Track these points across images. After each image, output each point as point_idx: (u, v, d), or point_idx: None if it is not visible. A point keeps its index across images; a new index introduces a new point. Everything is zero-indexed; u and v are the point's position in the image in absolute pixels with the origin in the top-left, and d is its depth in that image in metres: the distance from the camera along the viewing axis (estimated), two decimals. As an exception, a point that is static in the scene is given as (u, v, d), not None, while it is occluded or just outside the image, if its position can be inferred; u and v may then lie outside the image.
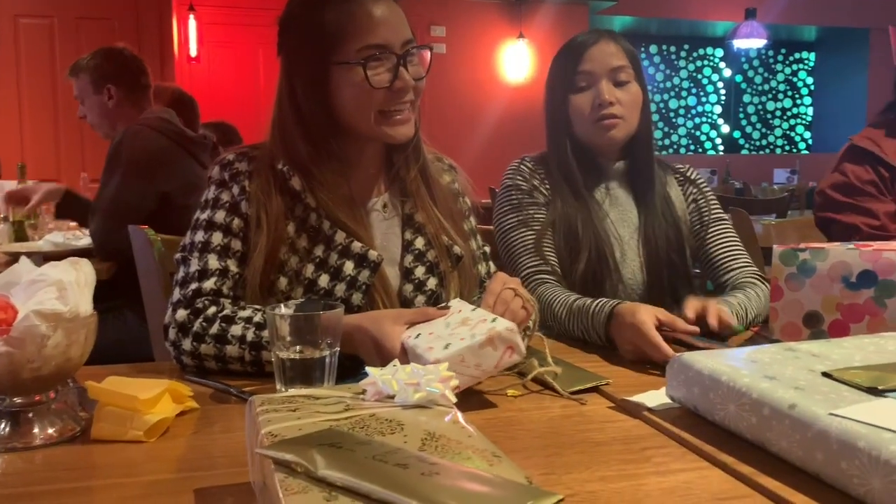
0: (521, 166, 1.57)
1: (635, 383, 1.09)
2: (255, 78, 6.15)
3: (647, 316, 1.17)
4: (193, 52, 6.12)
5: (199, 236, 1.19)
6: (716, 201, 1.62)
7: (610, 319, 1.24)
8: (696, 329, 1.17)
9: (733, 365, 0.86)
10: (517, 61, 6.79)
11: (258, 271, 1.16)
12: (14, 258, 2.40)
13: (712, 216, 1.58)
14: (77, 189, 2.83)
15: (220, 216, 1.19)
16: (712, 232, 1.56)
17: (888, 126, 1.61)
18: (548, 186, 1.54)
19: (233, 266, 1.18)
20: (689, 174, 1.65)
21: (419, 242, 1.27)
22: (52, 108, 5.30)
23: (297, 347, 0.96)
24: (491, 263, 1.42)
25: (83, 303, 0.88)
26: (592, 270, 1.46)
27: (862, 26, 8.17)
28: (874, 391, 0.76)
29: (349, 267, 1.19)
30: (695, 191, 1.61)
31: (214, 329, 1.12)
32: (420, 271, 1.26)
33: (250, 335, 1.11)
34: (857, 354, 0.90)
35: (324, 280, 1.18)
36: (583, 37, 1.55)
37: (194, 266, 1.17)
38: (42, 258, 2.23)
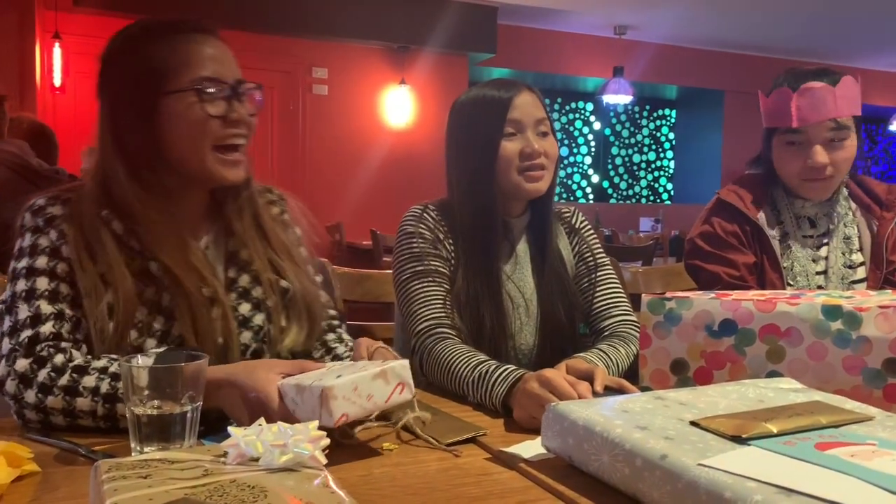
0: (425, 214, 1.50)
1: (512, 433, 1.08)
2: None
3: (551, 373, 1.11)
4: (58, 81, 5.79)
5: (22, 285, 1.10)
6: (599, 247, 1.62)
7: (511, 390, 1.15)
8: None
9: (606, 415, 0.87)
10: (399, 106, 6.86)
11: (97, 320, 1.08)
12: None
13: (596, 262, 1.58)
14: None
15: (41, 262, 1.11)
16: (594, 279, 1.56)
17: (751, 183, 1.73)
18: (451, 242, 1.48)
19: (67, 310, 1.10)
20: (574, 223, 1.63)
21: (244, 280, 1.24)
22: None
23: (156, 402, 0.89)
24: (322, 293, 1.38)
25: None
26: (490, 339, 1.43)
27: (718, 88, 8.84)
28: (738, 439, 0.79)
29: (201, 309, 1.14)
30: (580, 241, 1.61)
31: (64, 380, 1.03)
32: (245, 308, 1.22)
33: (105, 386, 1.02)
34: (722, 402, 0.93)
35: (159, 322, 1.13)
36: (504, 83, 1.51)
37: (24, 313, 1.08)
38: None
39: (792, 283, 1.65)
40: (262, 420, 0.72)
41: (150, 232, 1.14)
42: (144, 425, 0.89)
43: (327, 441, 0.70)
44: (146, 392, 0.89)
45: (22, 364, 1.04)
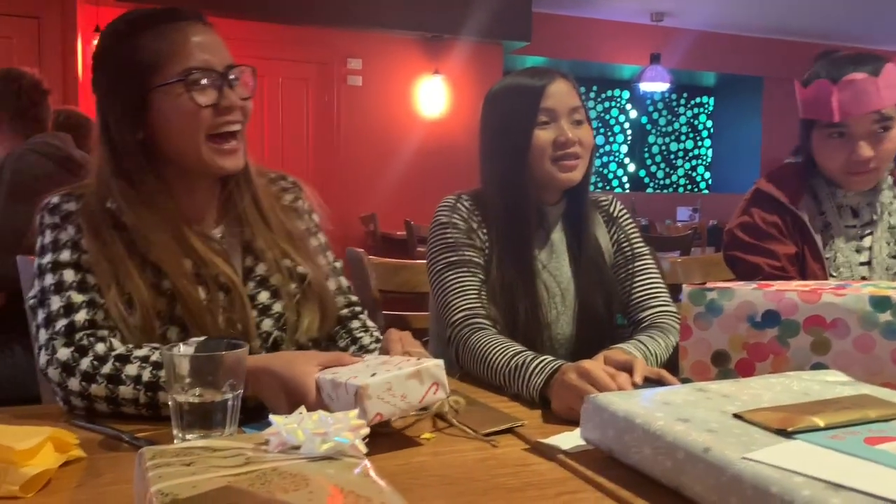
0: (459, 204, 1.49)
1: (549, 424, 1.07)
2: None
3: (590, 364, 1.10)
4: (98, 74, 5.89)
5: (49, 279, 1.12)
6: (637, 236, 1.59)
7: (549, 381, 1.14)
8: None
9: (647, 407, 0.86)
10: (432, 97, 6.85)
11: (120, 310, 1.10)
12: None
13: (634, 252, 1.56)
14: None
15: (65, 255, 1.13)
16: (633, 269, 1.54)
17: (791, 172, 1.69)
18: (485, 232, 1.47)
19: (98, 298, 1.12)
20: (612, 212, 1.61)
21: (260, 268, 1.24)
22: (-60, 130, 4.97)
23: (197, 390, 0.90)
24: (342, 279, 1.39)
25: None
26: (524, 329, 1.42)
27: (757, 75, 8.67)
28: (783, 433, 0.77)
29: (201, 292, 1.16)
30: (618, 230, 1.59)
31: (107, 369, 1.05)
32: (264, 296, 1.23)
33: (147, 375, 1.04)
34: (766, 395, 0.91)
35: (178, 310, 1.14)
36: (539, 71, 1.49)
37: (56, 304, 1.10)
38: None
39: (835, 274, 1.62)
40: (302, 408, 0.72)
41: (138, 230, 1.15)
42: (186, 413, 0.90)
43: (367, 430, 0.70)
44: (188, 380, 0.90)
45: (64, 353, 1.07)
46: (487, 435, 1.00)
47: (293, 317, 1.24)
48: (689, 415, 0.82)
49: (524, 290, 1.44)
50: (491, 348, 1.29)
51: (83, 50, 5.56)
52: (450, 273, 1.43)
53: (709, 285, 1.19)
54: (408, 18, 6.44)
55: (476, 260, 1.45)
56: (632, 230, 1.61)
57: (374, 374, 0.94)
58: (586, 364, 1.10)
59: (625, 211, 1.64)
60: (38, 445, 0.80)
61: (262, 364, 1.03)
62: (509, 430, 1.03)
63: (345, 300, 1.37)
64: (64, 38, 5.26)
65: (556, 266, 1.51)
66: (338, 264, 1.39)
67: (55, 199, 1.19)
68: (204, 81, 1.14)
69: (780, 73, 8.35)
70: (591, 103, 8.99)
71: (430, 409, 1.03)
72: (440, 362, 0.98)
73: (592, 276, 1.51)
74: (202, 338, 1.02)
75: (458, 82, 6.88)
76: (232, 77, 1.17)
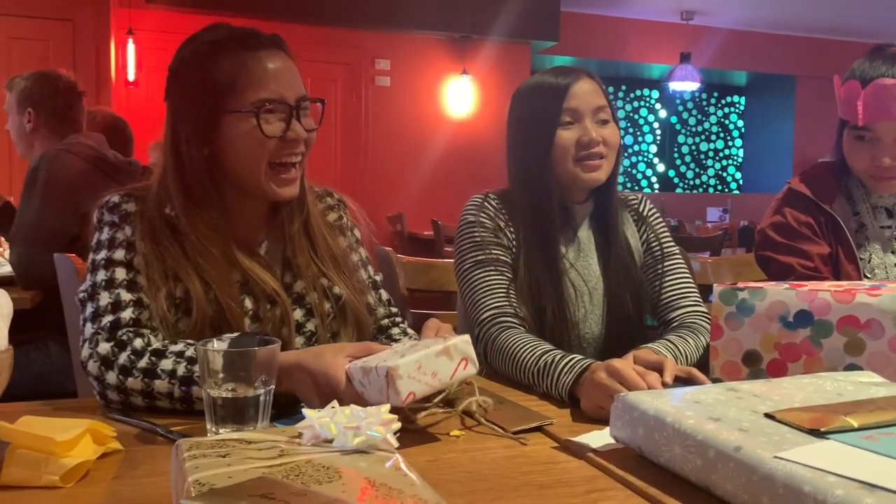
0: (486, 203, 1.50)
1: (578, 423, 1.07)
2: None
3: (620, 363, 1.10)
4: (132, 76, 5.99)
5: (102, 275, 1.15)
6: (667, 236, 1.59)
7: (578, 379, 1.14)
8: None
9: (678, 406, 0.85)
10: (460, 97, 6.86)
11: (164, 311, 1.13)
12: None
13: (664, 251, 1.55)
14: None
15: (119, 254, 1.16)
16: (662, 268, 1.53)
17: (825, 172, 1.66)
18: (513, 230, 1.48)
19: (145, 298, 1.14)
20: (642, 210, 1.61)
21: (298, 286, 1.26)
22: (-22, 129, 5.09)
23: (230, 385, 0.92)
24: (382, 291, 1.40)
25: (-3, 337, 0.83)
26: (552, 328, 1.41)
27: (789, 73, 8.55)
28: (816, 433, 0.76)
29: (248, 302, 1.18)
30: (647, 230, 1.58)
31: (143, 363, 1.07)
32: (298, 314, 1.25)
33: (181, 369, 1.06)
34: (798, 395, 0.90)
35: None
36: (564, 70, 1.49)
37: (105, 300, 1.13)
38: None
39: (869, 275, 1.59)
40: (334, 403, 0.73)
41: (191, 239, 1.17)
42: (220, 407, 0.92)
43: (398, 425, 0.71)
44: (221, 375, 0.92)
45: (104, 347, 1.09)
46: (516, 433, 1.00)
47: (326, 335, 1.26)
48: (720, 414, 0.82)
49: (552, 289, 1.44)
50: (519, 347, 1.29)
51: (116, 52, 5.66)
52: (478, 271, 1.43)
53: (740, 285, 1.18)
54: (437, 19, 6.46)
55: (504, 258, 1.45)
56: (661, 229, 1.60)
57: (403, 356, 0.95)
58: (616, 363, 1.10)
59: (654, 210, 1.63)
60: (77, 437, 0.82)
61: (293, 359, 1.04)
62: (538, 429, 1.03)
63: (385, 311, 1.39)
64: (97, 40, 5.36)
65: (583, 265, 1.51)
66: (378, 278, 1.41)
67: (115, 199, 1.21)
68: (273, 114, 1.17)
69: (814, 71, 8.23)
70: (619, 103, 8.94)
71: (458, 407, 1.04)
72: (467, 337, 0.99)
73: (620, 275, 1.50)
74: (235, 334, 1.04)
75: (486, 82, 6.89)
76: (302, 108, 1.20)
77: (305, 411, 0.70)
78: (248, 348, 0.93)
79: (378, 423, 0.66)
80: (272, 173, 1.19)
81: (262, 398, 0.92)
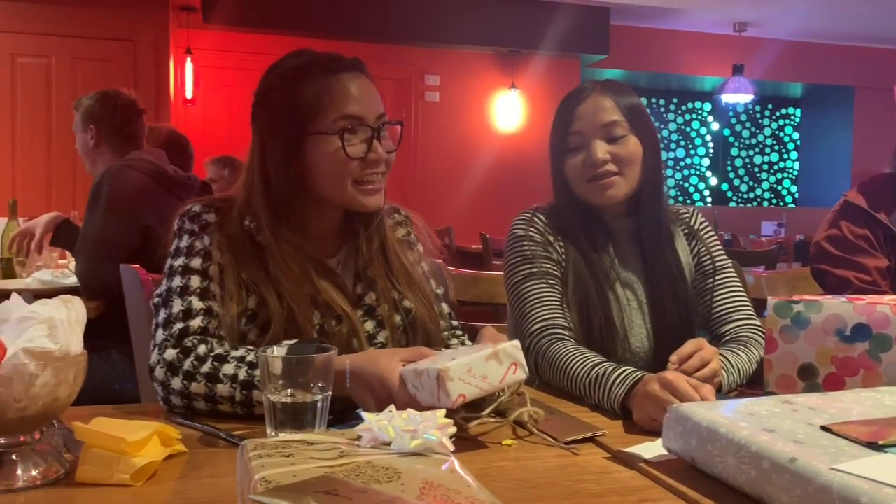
0: (535, 218, 1.52)
1: (630, 434, 1.07)
2: (248, 121, 6.18)
3: (673, 376, 1.10)
4: (189, 94, 6.18)
5: (177, 281, 1.20)
6: (719, 249, 1.57)
7: (630, 391, 1.14)
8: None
9: (731, 417, 0.85)
10: (509, 111, 6.88)
11: (233, 320, 1.17)
12: (1, 296, 2.38)
13: (716, 265, 1.54)
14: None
15: (195, 262, 1.21)
16: (714, 282, 1.52)
17: (882, 184, 1.64)
18: (561, 244, 1.49)
19: (216, 307, 1.18)
20: (693, 224, 1.60)
21: (370, 297, 1.29)
22: (45, 146, 5.29)
23: (289, 391, 0.95)
24: (444, 305, 1.42)
25: (74, 341, 0.87)
26: (600, 340, 1.42)
27: (847, 84, 8.35)
28: (874, 446, 0.76)
29: (316, 317, 1.21)
30: (698, 243, 1.57)
31: (206, 367, 1.11)
32: (370, 325, 1.28)
33: (242, 374, 1.09)
34: (855, 408, 0.89)
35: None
36: (575, 92, 1.53)
37: (177, 307, 1.17)
38: (32, 296, 2.23)
39: (931, 289, 1.56)
40: (392, 406, 0.75)
41: (273, 259, 1.21)
42: (279, 412, 0.95)
43: (454, 429, 0.72)
44: (280, 381, 0.95)
45: (171, 354, 1.14)
46: (568, 443, 1.01)
47: (395, 347, 1.27)
48: (775, 426, 0.82)
49: (598, 302, 1.44)
50: (571, 359, 1.30)
51: (174, 70, 5.85)
52: (527, 284, 1.45)
53: (795, 297, 1.17)
54: (486, 34, 6.51)
55: (553, 272, 1.46)
56: (713, 243, 1.58)
57: (453, 359, 0.98)
58: (669, 375, 1.10)
59: (706, 224, 1.62)
60: (146, 438, 0.86)
61: (349, 364, 1.07)
62: (590, 439, 1.04)
63: (446, 324, 1.41)
64: (157, 59, 5.54)
65: (630, 278, 1.51)
66: (440, 291, 1.44)
67: (196, 208, 1.27)
68: (355, 135, 1.22)
69: (873, 82, 8.02)
70: (671, 115, 8.84)
71: (510, 417, 1.05)
72: (517, 343, 1.01)
73: (665, 289, 1.49)
74: (293, 341, 1.08)
75: (535, 96, 6.90)
76: (381, 128, 1.25)
77: (364, 414, 0.73)
78: (305, 355, 0.96)
79: (434, 426, 0.68)
80: (357, 187, 1.24)
81: (319, 404, 0.95)
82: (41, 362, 0.81)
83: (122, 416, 0.98)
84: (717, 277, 1.53)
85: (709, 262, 1.55)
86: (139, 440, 0.85)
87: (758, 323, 1.47)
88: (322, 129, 1.21)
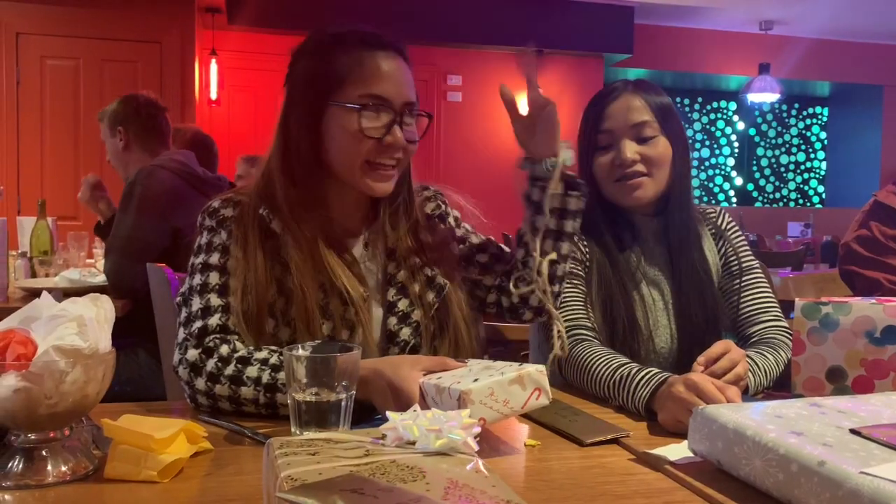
0: None
1: (655, 436, 1.07)
2: (273, 122, 6.22)
3: (698, 377, 1.09)
4: (214, 95, 6.24)
5: (197, 279, 1.20)
6: (746, 250, 1.56)
7: (655, 393, 1.13)
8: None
9: (758, 419, 0.84)
10: (532, 111, 6.87)
11: (251, 312, 1.17)
12: (30, 294, 2.42)
13: (742, 266, 1.52)
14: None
15: (214, 258, 1.21)
16: (741, 283, 1.50)
17: None
18: (585, 244, 1.49)
19: (234, 302, 1.18)
20: (721, 224, 1.58)
21: (402, 275, 1.27)
22: (73, 147, 5.38)
23: (314, 390, 0.95)
24: (495, 242, 1.42)
25: (103, 339, 0.88)
26: (622, 341, 1.41)
27: (876, 83, 8.23)
28: (905, 450, 0.75)
29: (335, 305, 1.19)
30: (725, 244, 1.55)
31: (230, 370, 1.11)
32: (404, 304, 1.26)
33: (266, 377, 1.10)
34: (886, 412, 0.88)
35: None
36: (606, 91, 1.51)
37: (196, 305, 1.18)
38: (62, 294, 2.26)
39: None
40: (416, 406, 0.75)
41: (293, 244, 1.20)
42: (304, 411, 0.95)
43: (478, 429, 0.72)
44: (304, 381, 0.96)
45: (192, 354, 1.14)
46: (592, 444, 1.01)
47: (431, 326, 1.27)
48: (803, 428, 0.81)
49: (622, 303, 1.44)
50: (595, 360, 1.30)
51: (200, 71, 5.91)
52: None
53: (823, 299, 1.16)
54: (509, 34, 6.49)
55: (577, 272, 1.45)
56: (740, 244, 1.57)
57: (476, 380, 0.96)
58: (694, 377, 1.09)
59: (733, 224, 1.60)
60: (173, 435, 0.87)
61: (371, 367, 1.07)
62: (614, 441, 1.03)
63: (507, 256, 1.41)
64: (183, 60, 5.60)
65: (654, 279, 1.50)
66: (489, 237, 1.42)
67: (216, 204, 1.26)
68: (377, 115, 1.20)
69: (902, 80, 7.91)
70: (695, 115, 8.77)
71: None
72: (542, 368, 0.99)
73: (692, 290, 1.48)
74: (317, 341, 1.08)
75: (559, 96, 6.85)
76: (405, 114, 1.22)
77: (389, 414, 0.73)
78: (329, 355, 0.97)
79: (459, 426, 0.68)
80: (368, 169, 1.21)
81: (343, 403, 0.96)
82: (71, 360, 0.83)
83: (148, 414, 0.99)
84: (744, 278, 1.51)
85: (735, 262, 1.53)
86: (166, 437, 0.86)
87: (785, 325, 1.45)
88: (343, 101, 1.19)
